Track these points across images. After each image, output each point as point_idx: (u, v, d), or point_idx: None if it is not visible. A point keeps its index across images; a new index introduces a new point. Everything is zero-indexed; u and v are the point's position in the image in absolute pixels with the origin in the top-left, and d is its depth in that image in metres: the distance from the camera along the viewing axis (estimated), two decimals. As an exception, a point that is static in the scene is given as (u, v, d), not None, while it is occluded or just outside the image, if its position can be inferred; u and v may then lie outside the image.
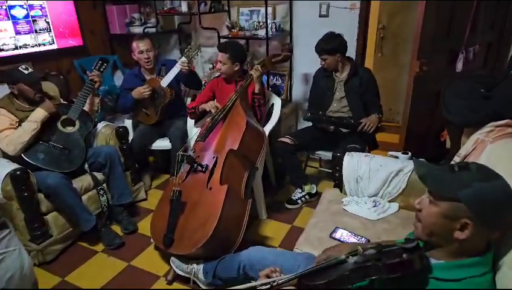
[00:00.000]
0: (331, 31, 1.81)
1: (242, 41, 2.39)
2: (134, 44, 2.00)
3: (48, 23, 2.19)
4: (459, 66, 1.81)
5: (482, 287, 0.63)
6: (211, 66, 2.64)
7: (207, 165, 1.50)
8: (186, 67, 1.90)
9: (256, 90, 1.80)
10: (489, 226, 0.62)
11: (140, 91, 1.96)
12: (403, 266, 0.64)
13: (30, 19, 2.10)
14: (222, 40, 2.22)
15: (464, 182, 0.62)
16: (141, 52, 1.98)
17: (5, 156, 1.60)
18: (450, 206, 0.62)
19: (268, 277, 0.77)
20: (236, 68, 1.82)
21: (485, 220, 0.61)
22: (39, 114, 1.61)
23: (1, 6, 1.97)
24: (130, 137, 2.03)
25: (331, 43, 1.76)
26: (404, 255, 0.65)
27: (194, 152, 1.58)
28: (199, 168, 1.50)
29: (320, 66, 1.83)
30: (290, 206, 1.96)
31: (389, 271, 0.64)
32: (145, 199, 2.07)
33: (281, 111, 2.04)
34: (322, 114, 1.84)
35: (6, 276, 0.74)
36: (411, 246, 0.67)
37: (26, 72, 1.60)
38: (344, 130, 1.85)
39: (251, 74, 1.76)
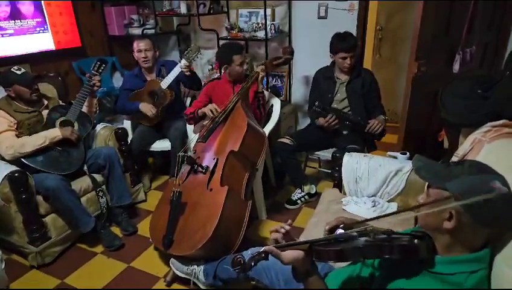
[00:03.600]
0: (344, 31, 1.79)
1: (241, 43, 2.40)
2: (134, 43, 2.02)
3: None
4: (456, 67, 1.83)
5: (474, 282, 0.64)
6: (210, 67, 2.65)
7: (207, 166, 1.50)
8: (188, 71, 1.91)
9: (260, 90, 1.82)
10: (477, 219, 0.62)
11: (149, 109, 1.97)
12: (415, 250, 0.66)
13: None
14: (222, 42, 2.22)
15: (455, 175, 0.65)
16: (140, 50, 2.00)
17: (3, 158, 1.59)
18: (439, 196, 0.66)
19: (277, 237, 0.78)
20: None
21: (469, 211, 0.62)
22: (53, 133, 1.61)
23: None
24: (129, 138, 2.03)
25: (356, 39, 1.75)
26: (416, 241, 0.67)
27: (194, 153, 1.58)
28: (199, 169, 1.50)
29: (347, 64, 1.74)
30: (289, 207, 1.96)
31: (401, 252, 0.66)
32: (145, 200, 2.07)
33: (280, 112, 2.04)
34: (330, 107, 1.81)
35: None
36: (421, 235, 0.69)
37: (19, 72, 1.59)
38: (343, 131, 1.86)
39: (257, 72, 1.76)
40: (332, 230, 0.85)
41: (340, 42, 1.74)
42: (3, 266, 1.07)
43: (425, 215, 0.69)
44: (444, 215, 0.64)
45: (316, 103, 1.78)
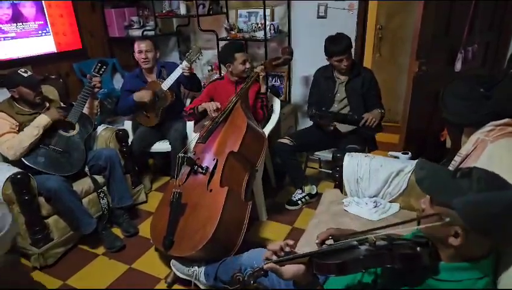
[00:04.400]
0: (338, 32, 1.78)
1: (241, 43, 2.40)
2: (135, 44, 2.03)
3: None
4: (458, 65, 1.81)
5: (482, 287, 0.63)
6: (209, 68, 2.65)
7: (207, 167, 1.50)
8: (188, 72, 1.91)
9: (263, 90, 1.82)
10: (484, 236, 0.61)
11: (143, 95, 1.98)
12: (417, 258, 0.65)
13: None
14: (222, 42, 2.22)
15: (461, 190, 0.61)
16: (140, 51, 2.00)
17: (6, 160, 1.60)
18: (444, 212, 0.62)
19: (277, 254, 0.76)
20: None
21: (477, 230, 0.60)
22: (42, 120, 1.61)
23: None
24: (130, 140, 2.03)
25: (349, 40, 1.73)
26: (418, 249, 0.65)
27: (194, 154, 1.58)
28: (199, 170, 1.50)
29: (344, 66, 1.74)
30: (290, 208, 1.96)
31: (403, 261, 0.65)
32: (145, 202, 2.07)
33: (280, 112, 2.04)
34: (325, 110, 1.81)
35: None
36: (423, 241, 0.68)
37: (25, 75, 1.61)
38: (344, 131, 1.85)
39: (256, 72, 1.76)
40: (323, 243, 0.83)
41: (333, 46, 1.73)
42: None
43: (429, 228, 0.65)
44: (449, 231, 0.62)
45: (313, 110, 1.78)
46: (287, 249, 0.76)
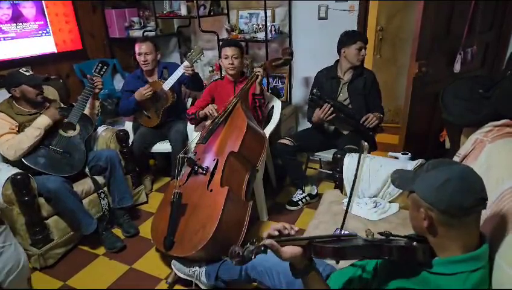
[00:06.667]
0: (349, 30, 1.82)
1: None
2: (136, 46, 2.03)
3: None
4: (457, 67, 1.82)
5: (474, 282, 0.64)
6: (210, 68, 2.65)
7: (207, 167, 1.50)
8: (190, 72, 1.91)
9: (258, 92, 1.81)
10: (440, 210, 0.64)
11: (142, 92, 1.97)
12: (413, 251, 0.67)
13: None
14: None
15: (417, 176, 0.70)
16: (140, 54, 2.00)
17: (6, 160, 1.60)
18: (412, 199, 0.70)
19: (280, 231, 0.78)
20: (242, 64, 1.84)
21: (436, 206, 0.65)
22: (43, 121, 1.61)
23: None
24: (131, 140, 2.03)
25: None
26: (414, 243, 0.69)
27: (194, 155, 1.59)
28: (200, 170, 1.50)
29: (362, 56, 1.76)
30: (290, 208, 1.96)
31: (400, 253, 0.67)
32: (146, 202, 2.07)
33: (281, 113, 2.05)
34: (327, 97, 1.78)
35: (5, 269, 0.76)
36: (419, 238, 0.70)
37: (27, 73, 1.61)
38: (345, 132, 1.86)
39: (255, 74, 1.76)
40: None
41: (356, 35, 1.76)
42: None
43: (410, 219, 0.73)
44: (421, 216, 0.67)
45: (314, 90, 1.76)
46: (286, 231, 0.78)
